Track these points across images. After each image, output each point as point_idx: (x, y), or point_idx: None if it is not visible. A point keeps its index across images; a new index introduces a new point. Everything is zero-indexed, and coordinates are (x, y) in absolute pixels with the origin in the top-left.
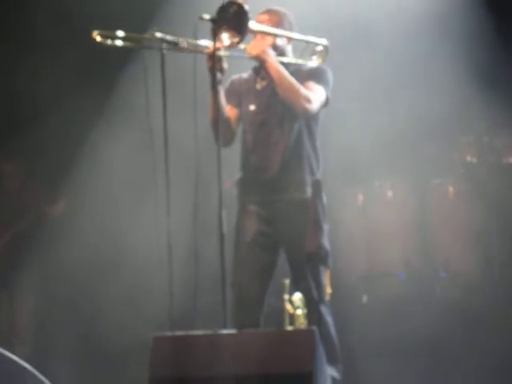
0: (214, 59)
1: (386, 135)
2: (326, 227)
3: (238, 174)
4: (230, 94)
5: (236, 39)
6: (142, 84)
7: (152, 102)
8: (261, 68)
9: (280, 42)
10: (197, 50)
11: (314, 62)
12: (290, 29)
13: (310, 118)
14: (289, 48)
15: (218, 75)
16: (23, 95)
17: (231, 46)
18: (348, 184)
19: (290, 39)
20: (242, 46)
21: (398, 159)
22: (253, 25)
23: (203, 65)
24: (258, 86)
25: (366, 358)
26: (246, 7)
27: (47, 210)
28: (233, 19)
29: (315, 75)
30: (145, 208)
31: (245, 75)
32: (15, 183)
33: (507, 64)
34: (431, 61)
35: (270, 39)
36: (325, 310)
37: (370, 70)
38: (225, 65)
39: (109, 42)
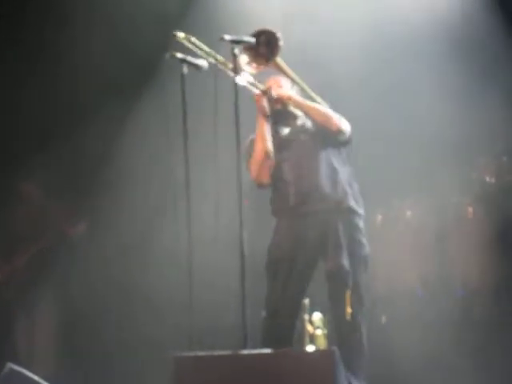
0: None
1: (404, 155)
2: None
3: (271, 192)
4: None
5: (261, 65)
6: (163, 104)
7: (172, 122)
8: (278, 117)
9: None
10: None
11: None
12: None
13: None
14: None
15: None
16: (43, 115)
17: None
18: (367, 204)
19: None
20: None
21: (417, 179)
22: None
23: (223, 85)
24: (283, 136)
25: (388, 378)
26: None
27: (67, 228)
28: (263, 46)
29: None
30: (165, 226)
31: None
32: (35, 202)
33: None
34: (448, 80)
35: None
36: (357, 330)
37: (385, 88)
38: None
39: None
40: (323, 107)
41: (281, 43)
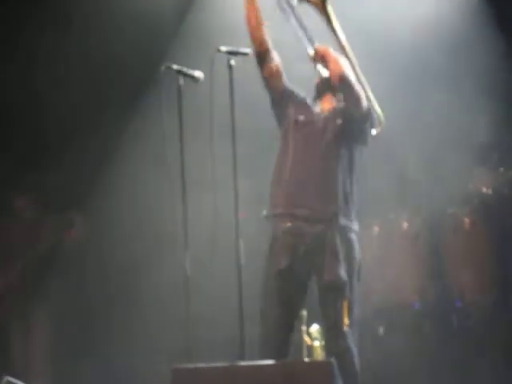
0: None
1: (400, 164)
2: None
3: (275, 191)
4: (288, 92)
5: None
6: (159, 116)
7: (168, 133)
8: (319, 95)
9: None
10: None
11: None
12: None
13: (353, 148)
14: None
15: None
16: (38, 128)
17: None
18: (363, 216)
19: None
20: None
21: (413, 190)
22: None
23: (220, 96)
24: (313, 109)
25: None
26: None
27: (65, 235)
28: None
29: None
30: (163, 240)
31: (307, 99)
32: (28, 216)
33: None
34: (444, 91)
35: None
36: (351, 340)
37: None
38: None
39: None
40: (352, 76)
41: None
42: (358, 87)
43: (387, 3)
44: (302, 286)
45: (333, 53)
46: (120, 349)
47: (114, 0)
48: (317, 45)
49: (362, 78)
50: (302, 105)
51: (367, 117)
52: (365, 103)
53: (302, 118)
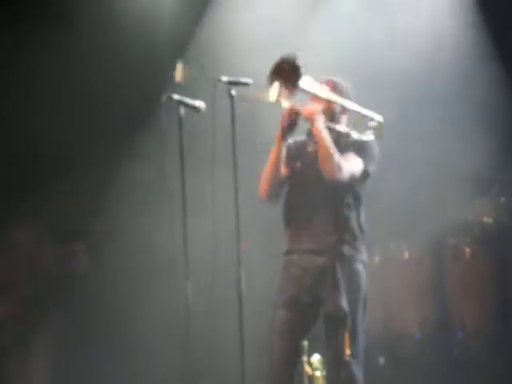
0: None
1: (400, 195)
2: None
3: (285, 231)
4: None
5: (287, 92)
6: (159, 146)
7: (169, 164)
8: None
9: (335, 108)
10: None
11: (367, 137)
12: (347, 99)
13: (354, 189)
14: (343, 118)
15: (289, 131)
16: (37, 157)
17: (282, 97)
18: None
19: (344, 109)
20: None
21: (414, 219)
22: (304, 83)
23: (221, 127)
24: (309, 149)
25: None
26: (299, 65)
27: (63, 267)
28: (287, 74)
29: (357, 147)
30: (162, 271)
31: (298, 139)
32: (27, 246)
33: None
34: (446, 122)
35: (324, 104)
36: (354, 370)
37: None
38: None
39: None
40: (333, 151)
41: (301, 68)
42: (347, 172)
43: (388, 30)
44: (310, 318)
45: (320, 129)
46: (121, 381)
47: (112, 27)
48: (305, 108)
49: (356, 106)
50: (297, 151)
51: (362, 180)
52: (357, 175)
53: (299, 164)
